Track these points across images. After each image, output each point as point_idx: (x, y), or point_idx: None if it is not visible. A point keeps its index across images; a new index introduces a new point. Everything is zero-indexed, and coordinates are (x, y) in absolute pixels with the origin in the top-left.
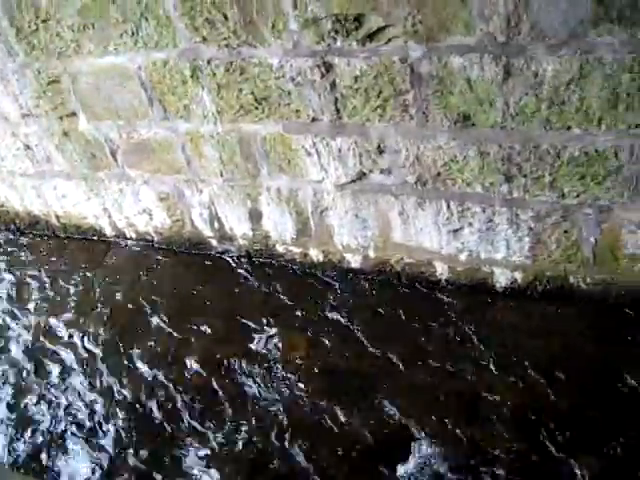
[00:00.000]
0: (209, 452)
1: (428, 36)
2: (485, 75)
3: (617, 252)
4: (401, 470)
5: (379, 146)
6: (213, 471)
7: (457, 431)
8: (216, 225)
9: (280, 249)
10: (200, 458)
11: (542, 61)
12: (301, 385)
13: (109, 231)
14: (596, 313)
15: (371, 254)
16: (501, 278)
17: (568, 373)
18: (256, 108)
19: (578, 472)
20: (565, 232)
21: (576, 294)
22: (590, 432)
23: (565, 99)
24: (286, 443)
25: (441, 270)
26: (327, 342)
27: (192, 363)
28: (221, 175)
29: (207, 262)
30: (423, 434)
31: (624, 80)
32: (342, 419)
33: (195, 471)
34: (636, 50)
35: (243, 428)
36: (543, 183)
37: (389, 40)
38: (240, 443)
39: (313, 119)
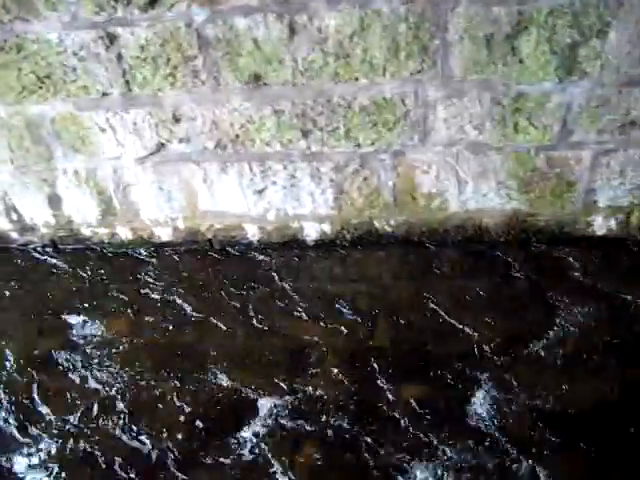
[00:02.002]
0: (43, 457)
1: None
2: (271, 34)
3: (414, 193)
4: (248, 432)
5: (174, 115)
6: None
7: (292, 385)
8: (14, 216)
9: (86, 232)
10: (33, 467)
11: (324, 16)
12: (129, 367)
13: None
14: (404, 252)
15: (180, 225)
16: (311, 231)
17: (386, 312)
18: (40, 87)
19: (407, 399)
20: (365, 179)
21: (383, 237)
22: (414, 363)
23: (350, 52)
24: (127, 429)
25: (252, 232)
26: (148, 319)
27: (10, 363)
28: (12, 163)
29: (11, 256)
30: (260, 393)
31: (401, 30)
32: (178, 393)
33: None
34: (409, 1)
35: (76, 422)
36: (339, 134)
37: (172, 5)
38: (75, 439)
39: (103, 94)
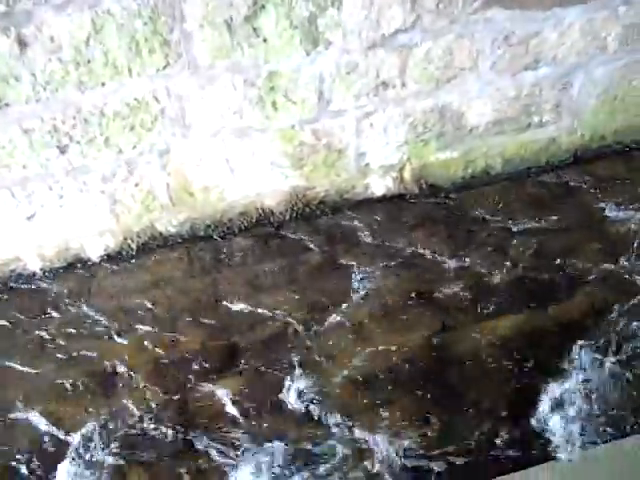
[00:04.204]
0: None
1: None
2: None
3: (190, 188)
4: (68, 470)
5: None
6: None
7: (107, 409)
8: None
9: None
10: None
11: (53, 24)
12: None
13: None
14: (193, 250)
15: None
16: (93, 248)
17: (186, 313)
18: None
19: (226, 397)
20: (136, 185)
21: (169, 239)
22: (224, 359)
23: (90, 57)
24: None
25: (32, 261)
26: None
27: None
28: None
29: None
30: (75, 426)
31: (138, 26)
32: None
33: None
34: None
35: None
36: (98, 144)
37: None
38: None
39: None
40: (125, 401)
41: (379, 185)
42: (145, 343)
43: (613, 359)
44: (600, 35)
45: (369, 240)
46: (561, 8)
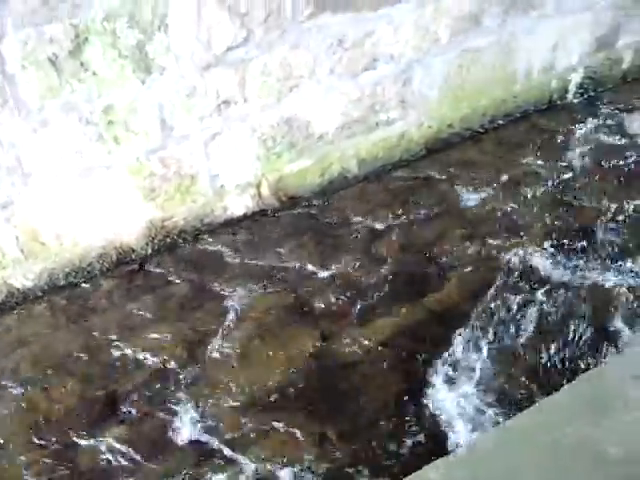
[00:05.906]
0: None
1: None
2: None
3: (41, 238)
4: None
5: None
6: None
7: None
8: None
9: None
10: None
11: None
12: None
13: None
14: (55, 300)
15: None
16: None
17: (57, 368)
18: None
19: (110, 447)
20: None
21: (28, 293)
22: (103, 408)
23: None
24: None
25: None
26: None
27: None
28: None
29: None
30: None
31: None
32: None
33: None
34: None
35: None
36: None
37: None
38: None
39: None
40: (5, 475)
41: (238, 205)
42: (17, 407)
43: (492, 340)
44: (431, 28)
45: (236, 261)
46: (390, 6)
